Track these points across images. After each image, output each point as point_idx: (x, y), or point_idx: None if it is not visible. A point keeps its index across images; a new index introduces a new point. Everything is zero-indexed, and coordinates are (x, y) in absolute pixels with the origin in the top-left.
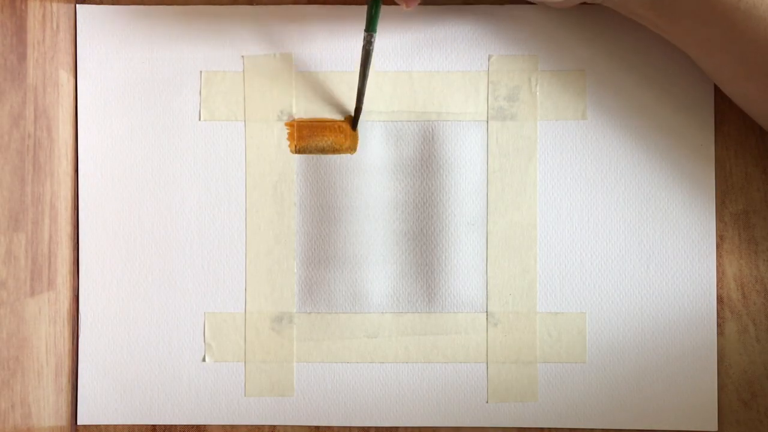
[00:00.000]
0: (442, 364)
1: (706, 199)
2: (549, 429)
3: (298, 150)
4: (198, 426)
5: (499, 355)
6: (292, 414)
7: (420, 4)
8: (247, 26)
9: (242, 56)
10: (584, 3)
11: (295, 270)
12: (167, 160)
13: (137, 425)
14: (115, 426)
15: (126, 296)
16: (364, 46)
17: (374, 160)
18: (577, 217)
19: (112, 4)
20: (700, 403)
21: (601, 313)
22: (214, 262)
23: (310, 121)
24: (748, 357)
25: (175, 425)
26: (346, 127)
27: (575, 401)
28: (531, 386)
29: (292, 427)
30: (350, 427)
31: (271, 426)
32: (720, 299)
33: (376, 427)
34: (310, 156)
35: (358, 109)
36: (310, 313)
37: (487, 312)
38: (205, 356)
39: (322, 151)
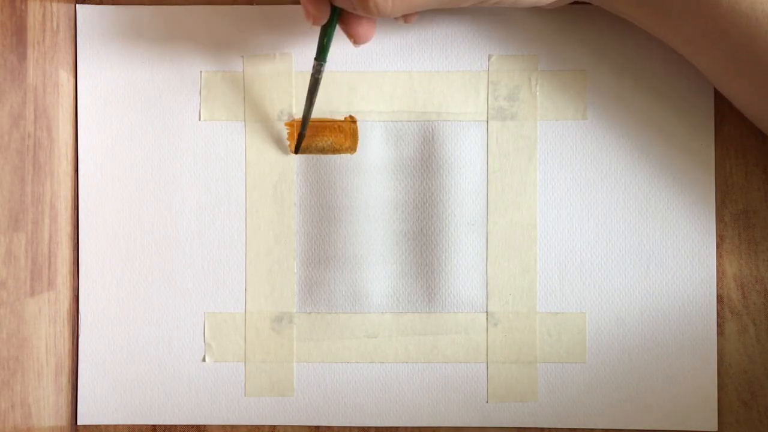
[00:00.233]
0: (442, 364)
1: (706, 199)
2: (549, 429)
3: (299, 149)
4: (198, 426)
5: (499, 355)
6: (292, 414)
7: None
8: (247, 26)
9: (242, 56)
10: (576, 2)
11: (295, 270)
12: (167, 160)
13: (137, 425)
14: (115, 426)
15: (126, 296)
16: (312, 74)
17: (374, 160)
18: (577, 217)
19: (112, 4)
20: (700, 403)
21: (601, 313)
22: (214, 262)
23: (311, 121)
24: (748, 357)
25: (175, 425)
26: (347, 126)
27: (575, 401)
28: (531, 386)
29: (292, 427)
30: (350, 427)
31: (271, 426)
32: (720, 299)
33: (376, 427)
34: (310, 156)
35: (302, 134)
36: (310, 313)
37: (487, 312)
38: (205, 356)
39: (322, 151)
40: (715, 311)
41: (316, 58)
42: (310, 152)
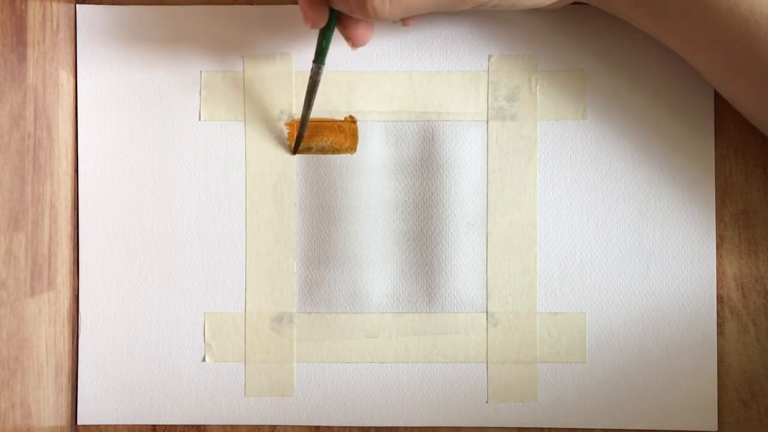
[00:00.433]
0: (442, 364)
1: (706, 199)
2: (549, 429)
3: (298, 150)
4: (198, 426)
5: (499, 355)
6: (292, 414)
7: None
8: (247, 26)
9: (242, 56)
10: (575, 3)
11: (295, 270)
12: (167, 160)
13: (137, 425)
14: (115, 426)
15: (126, 296)
16: (311, 77)
17: (374, 160)
18: (577, 217)
19: (112, 4)
20: (700, 403)
21: (601, 313)
22: (214, 262)
23: (310, 121)
24: (748, 357)
25: (175, 425)
26: (347, 126)
27: (575, 401)
28: (531, 386)
29: (292, 427)
30: (350, 427)
31: (271, 426)
32: (720, 299)
33: (376, 427)
34: (310, 156)
35: (300, 135)
36: (310, 313)
37: (487, 312)
38: (205, 356)
39: (322, 151)
40: (715, 311)
41: (314, 61)
42: (310, 152)
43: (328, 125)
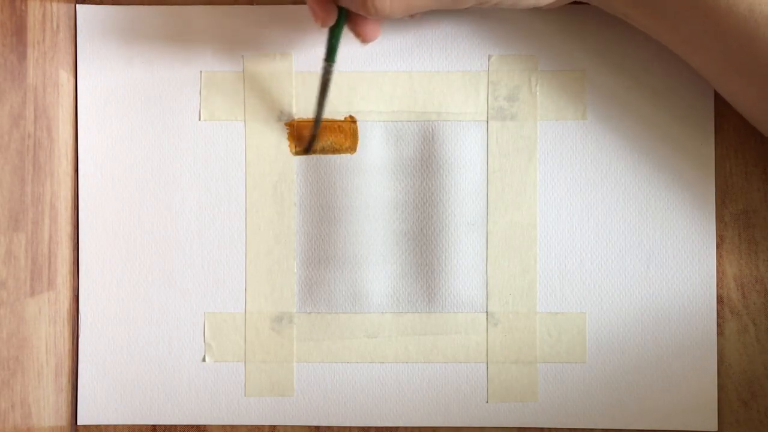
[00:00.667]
0: (442, 364)
1: (706, 199)
2: (549, 429)
3: (298, 151)
4: (198, 426)
5: (499, 355)
6: (292, 414)
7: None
8: (247, 26)
9: (242, 56)
10: (575, 3)
11: (295, 270)
12: (167, 160)
13: (137, 425)
14: (115, 426)
15: (126, 296)
16: (322, 75)
17: (374, 160)
18: (577, 217)
19: (112, 4)
20: (700, 403)
21: (601, 313)
22: (214, 262)
23: (310, 122)
24: (748, 357)
25: (175, 425)
26: (347, 126)
27: (575, 401)
28: (531, 386)
29: (292, 427)
30: (350, 427)
31: (271, 426)
32: (720, 299)
33: (376, 427)
34: (310, 156)
35: (314, 136)
36: (310, 313)
37: (487, 312)
38: (205, 356)
39: (322, 151)
40: (715, 311)
41: (325, 60)
42: (310, 152)
43: (328, 125)
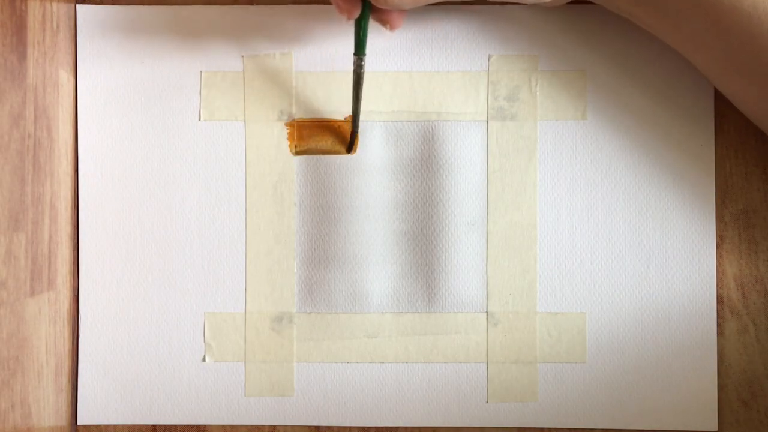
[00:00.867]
0: (442, 364)
1: (706, 199)
2: (549, 429)
3: (298, 151)
4: (198, 426)
5: (499, 355)
6: (292, 414)
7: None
8: (247, 26)
9: (242, 56)
10: (576, 1)
11: (295, 270)
12: (167, 160)
13: (137, 425)
14: (115, 426)
15: (126, 296)
16: (354, 70)
17: (374, 160)
18: (577, 217)
19: (112, 4)
20: (700, 403)
21: (601, 313)
22: (214, 262)
23: (310, 122)
24: (748, 357)
25: (175, 425)
26: (347, 127)
27: (575, 401)
28: (531, 386)
29: (292, 427)
30: (350, 427)
31: (271, 426)
32: (720, 299)
33: (376, 427)
34: (310, 156)
35: (354, 133)
36: (310, 313)
37: (487, 312)
38: (205, 356)
39: (322, 151)
40: (715, 311)
41: (355, 54)
42: (310, 152)
43: (328, 125)
